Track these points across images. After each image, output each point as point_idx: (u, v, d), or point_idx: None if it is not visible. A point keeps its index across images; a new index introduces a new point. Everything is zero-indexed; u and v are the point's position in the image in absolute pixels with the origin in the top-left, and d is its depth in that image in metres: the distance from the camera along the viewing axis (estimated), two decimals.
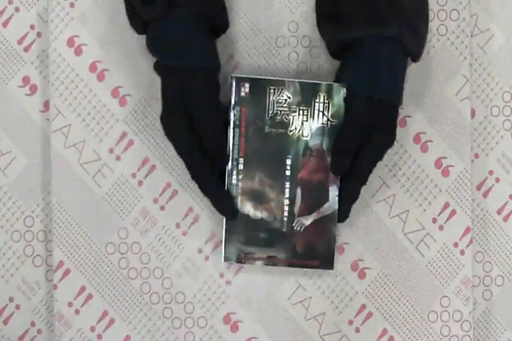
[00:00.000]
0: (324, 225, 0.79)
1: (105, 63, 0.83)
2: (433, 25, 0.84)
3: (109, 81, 0.83)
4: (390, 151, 0.84)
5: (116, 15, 0.83)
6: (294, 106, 0.78)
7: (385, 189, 0.84)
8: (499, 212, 0.86)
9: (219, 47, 0.80)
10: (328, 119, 0.78)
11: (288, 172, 0.79)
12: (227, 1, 0.82)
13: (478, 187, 0.86)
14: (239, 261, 0.79)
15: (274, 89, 0.78)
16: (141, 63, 0.83)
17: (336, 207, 0.79)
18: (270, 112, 0.78)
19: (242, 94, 0.78)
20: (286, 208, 0.79)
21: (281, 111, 0.78)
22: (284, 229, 0.79)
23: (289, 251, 0.79)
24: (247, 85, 0.78)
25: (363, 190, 0.82)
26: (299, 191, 0.79)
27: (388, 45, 0.76)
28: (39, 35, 0.85)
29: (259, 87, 0.78)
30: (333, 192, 0.79)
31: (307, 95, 0.78)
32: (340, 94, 0.78)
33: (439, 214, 0.84)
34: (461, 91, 0.84)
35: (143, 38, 0.78)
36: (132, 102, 0.83)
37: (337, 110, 0.78)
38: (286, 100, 0.78)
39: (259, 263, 0.79)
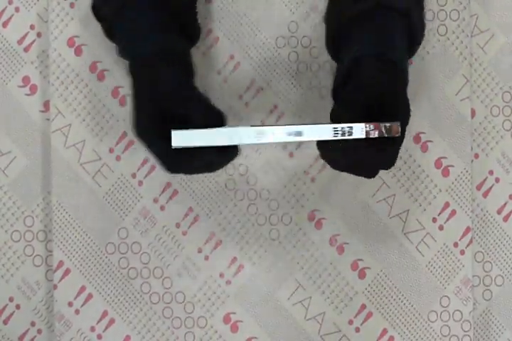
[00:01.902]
0: None
1: (105, 63, 0.83)
2: (433, 25, 0.84)
3: (109, 81, 0.83)
4: None
5: None
6: None
7: (385, 189, 0.84)
8: (499, 212, 0.86)
9: (219, 48, 0.80)
10: None
11: None
12: (228, 1, 0.82)
13: (478, 187, 0.86)
14: None
15: None
16: None
17: None
18: None
19: None
20: None
21: None
22: None
23: None
24: None
25: (363, 190, 0.82)
26: None
27: (395, 17, 0.73)
28: (39, 35, 0.85)
29: None
30: None
31: None
32: None
33: (439, 214, 0.84)
34: (461, 91, 0.84)
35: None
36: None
37: None
38: None
39: None
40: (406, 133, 0.84)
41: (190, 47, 0.76)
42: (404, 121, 0.72)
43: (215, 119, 0.71)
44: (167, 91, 0.71)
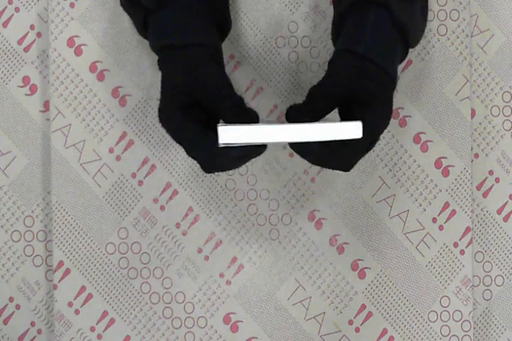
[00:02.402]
0: None
1: (105, 63, 0.83)
2: (433, 25, 0.84)
3: (109, 81, 0.83)
4: (389, 151, 0.84)
5: (116, 15, 0.83)
6: None
7: (385, 189, 0.84)
8: (499, 212, 0.86)
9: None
10: None
11: None
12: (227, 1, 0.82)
13: (478, 187, 0.86)
14: None
15: None
16: (141, 63, 0.83)
17: None
18: None
19: None
20: None
21: None
22: None
23: None
24: None
25: (363, 190, 0.82)
26: None
27: (374, 9, 0.72)
28: (39, 35, 0.85)
29: None
30: None
31: None
32: None
33: (439, 214, 0.84)
34: (461, 91, 0.84)
35: (142, 38, 0.78)
36: (132, 102, 0.83)
37: None
38: None
39: None
40: (406, 133, 0.84)
41: (223, 40, 0.77)
42: (375, 124, 0.71)
43: (248, 116, 0.70)
44: (207, 85, 0.70)
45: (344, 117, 0.73)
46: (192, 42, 0.72)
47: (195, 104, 0.71)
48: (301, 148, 0.70)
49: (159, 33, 0.73)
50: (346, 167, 0.71)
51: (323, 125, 0.68)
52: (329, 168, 0.72)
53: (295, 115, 0.71)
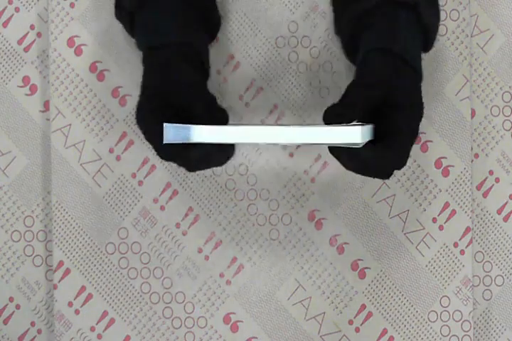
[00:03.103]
0: None
1: (105, 63, 0.83)
2: None
3: (109, 81, 0.83)
4: None
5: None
6: None
7: (385, 189, 0.84)
8: (499, 212, 0.86)
9: (219, 48, 0.80)
10: None
11: None
12: (228, 1, 0.82)
13: (478, 187, 0.86)
14: None
15: None
16: (141, 63, 0.83)
17: None
18: None
19: None
20: None
21: None
22: None
23: None
24: None
25: (363, 190, 0.82)
26: None
27: (405, 10, 0.72)
28: (39, 35, 0.85)
29: None
30: None
31: None
32: None
33: (439, 214, 0.84)
34: (461, 91, 0.84)
35: None
36: (132, 102, 0.83)
37: None
38: None
39: None
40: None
41: (210, 40, 0.77)
42: (411, 117, 0.69)
43: (219, 118, 0.70)
44: (177, 85, 0.70)
45: (375, 119, 0.70)
46: (165, 42, 0.72)
47: (169, 107, 0.71)
48: (344, 154, 0.68)
49: (141, 35, 0.74)
50: (387, 174, 0.69)
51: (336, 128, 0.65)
52: (369, 176, 0.69)
53: (333, 116, 0.68)
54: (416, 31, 0.73)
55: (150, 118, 0.70)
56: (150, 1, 0.73)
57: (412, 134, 0.69)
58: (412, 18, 0.73)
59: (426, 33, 0.75)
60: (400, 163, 0.69)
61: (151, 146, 0.83)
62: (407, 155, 0.69)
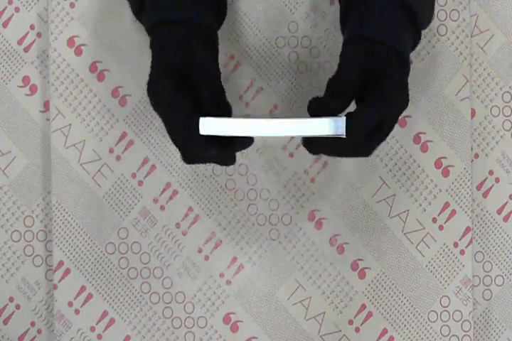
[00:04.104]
0: None
1: (105, 63, 0.83)
2: (433, 25, 0.84)
3: (109, 81, 0.83)
4: (389, 151, 0.84)
5: (116, 15, 0.83)
6: None
7: (385, 189, 0.84)
8: (499, 212, 0.86)
9: (219, 48, 0.80)
10: None
11: None
12: (228, 1, 0.82)
13: (478, 187, 0.86)
14: None
15: None
16: (141, 63, 0.83)
17: None
18: None
19: None
20: None
21: None
22: None
23: None
24: None
25: (363, 190, 0.82)
26: None
27: None
28: (39, 35, 0.85)
29: None
30: None
31: None
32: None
33: (439, 214, 0.84)
34: (461, 91, 0.84)
35: (142, 37, 0.78)
36: (132, 102, 0.83)
37: None
38: None
39: None
40: (406, 133, 0.84)
41: (219, 27, 0.76)
42: (388, 103, 0.69)
43: (223, 112, 0.70)
44: (196, 67, 0.70)
45: (358, 101, 0.71)
46: (190, 18, 0.71)
47: (184, 84, 0.70)
48: (314, 143, 0.70)
49: (157, 8, 0.72)
50: (366, 153, 0.71)
51: (306, 120, 0.68)
52: (349, 157, 0.71)
53: (317, 108, 0.70)
54: (396, 11, 0.71)
55: (169, 90, 0.70)
56: None
57: (384, 115, 0.69)
58: (396, 1, 0.71)
59: (410, 13, 0.72)
60: (375, 145, 0.70)
61: (151, 146, 0.83)
62: (383, 136, 0.70)
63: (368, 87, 0.70)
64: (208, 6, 0.73)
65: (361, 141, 0.69)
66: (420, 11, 0.73)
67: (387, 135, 0.70)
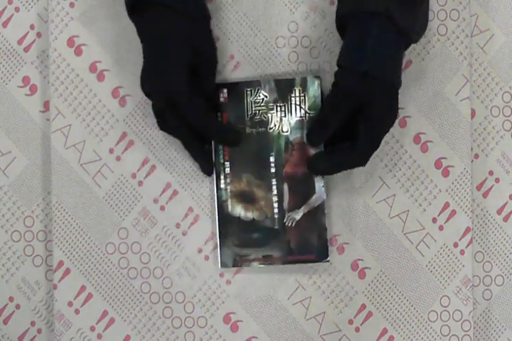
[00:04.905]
0: (315, 217, 0.80)
1: (105, 63, 0.83)
2: (433, 25, 0.84)
3: (109, 81, 0.83)
4: (389, 151, 0.84)
5: (116, 15, 0.83)
6: (272, 104, 0.80)
7: (385, 189, 0.84)
8: (499, 212, 0.86)
9: (219, 48, 0.80)
10: (305, 112, 0.80)
11: (273, 170, 0.80)
12: (228, 1, 0.82)
13: (478, 187, 0.86)
14: (235, 264, 0.80)
15: (251, 90, 0.80)
16: (141, 63, 0.83)
17: (324, 197, 0.80)
18: (249, 113, 0.81)
19: (221, 99, 0.80)
20: (276, 205, 0.80)
21: (259, 110, 0.81)
22: (276, 227, 0.80)
23: (284, 249, 0.80)
24: (224, 91, 0.80)
25: (363, 190, 0.82)
26: (285, 187, 0.80)
27: (376, 20, 0.73)
28: (39, 35, 0.85)
29: (237, 90, 0.80)
30: (319, 183, 0.80)
31: (283, 91, 0.80)
32: (315, 85, 0.80)
33: (439, 214, 0.84)
34: (461, 91, 0.84)
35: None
36: (132, 102, 0.83)
37: (313, 102, 0.80)
38: (263, 99, 0.81)
39: (255, 264, 0.80)
40: (406, 133, 0.84)
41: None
42: (377, 128, 0.76)
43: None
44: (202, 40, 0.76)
45: (348, 127, 0.77)
46: (198, 12, 0.76)
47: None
48: (315, 168, 0.79)
49: None
50: (361, 164, 0.77)
51: None
52: (347, 170, 0.78)
53: (311, 139, 0.79)
54: (392, 37, 0.74)
55: (186, 93, 0.75)
56: None
57: (372, 143, 0.76)
58: (386, 26, 0.74)
59: (405, 35, 0.75)
60: (366, 158, 0.77)
61: (151, 146, 0.83)
62: (372, 148, 0.77)
63: (358, 116, 0.76)
64: None
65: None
66: (414, 32, 0.76)
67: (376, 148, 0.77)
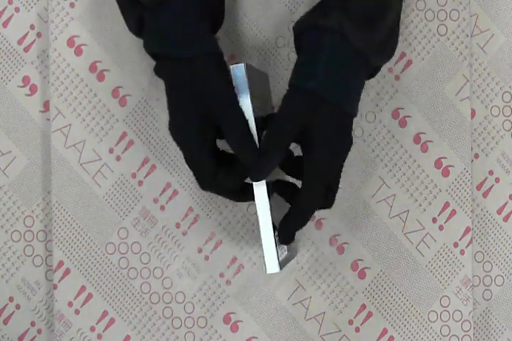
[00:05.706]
0: None
1: (105, 63, 0.83)
2: (433, 25, 0.84)
3: (109, 81, 0.83)
4: (389, 151, 0.84)
5: (116, 15, 0.83)
6: None
7: (385, 189, 0.84)
8: (499, 212, 0.86)
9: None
10: None
11: None
12: (228, 1, 0.82)
13: (478, 187, 0.86)
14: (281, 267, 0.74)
15: None
16: (141, 63, 0.83)
17: None
18: None
19: None
20: None
21: None
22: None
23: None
24: None
25: (363, 190, 0.82)
26: None
27: (330, 37, 0.69)
28: (39, 35, 0.85)
29: None
30: None
31: None
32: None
33: (439, 214, 0.84)
34: (461, 91, 0.84)
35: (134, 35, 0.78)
36: (132, 102, 0.83)
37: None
38: None
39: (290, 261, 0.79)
40: (406, 133, 0.84)
41: (215, 33, 0.75)
42: (320, 161, 0.69)
43: (247, 150, 0.70)
44: (213, 93, 0.69)
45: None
46: (196, 52, 0.69)
47: (207, 119, 0.70)
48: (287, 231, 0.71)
49: (159, 39, 0.70)
50: (328, 206, 0.72)
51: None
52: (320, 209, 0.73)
53: (253, 174, 0.70)
54: (346, 58, 0.69)
55: (190, 131, 0.70)
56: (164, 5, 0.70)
57: (320, 177, 0.69)
58: (341, 43, 0.69)
59: (362, 59, 0.70)
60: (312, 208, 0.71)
61: (151, 146, 0.83)
62: (315, 199, 0.70)
63: (306, 140, 0.69)
64: (207, 20, 0.71)
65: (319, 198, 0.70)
66: (373, 55, 0.71)
67: (338, 182, 0.72)
